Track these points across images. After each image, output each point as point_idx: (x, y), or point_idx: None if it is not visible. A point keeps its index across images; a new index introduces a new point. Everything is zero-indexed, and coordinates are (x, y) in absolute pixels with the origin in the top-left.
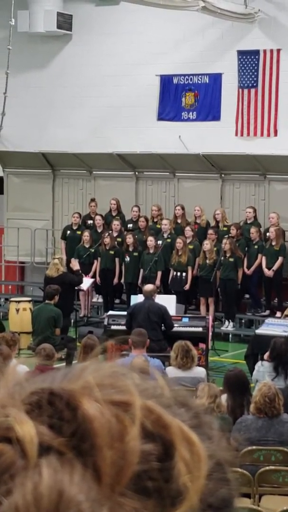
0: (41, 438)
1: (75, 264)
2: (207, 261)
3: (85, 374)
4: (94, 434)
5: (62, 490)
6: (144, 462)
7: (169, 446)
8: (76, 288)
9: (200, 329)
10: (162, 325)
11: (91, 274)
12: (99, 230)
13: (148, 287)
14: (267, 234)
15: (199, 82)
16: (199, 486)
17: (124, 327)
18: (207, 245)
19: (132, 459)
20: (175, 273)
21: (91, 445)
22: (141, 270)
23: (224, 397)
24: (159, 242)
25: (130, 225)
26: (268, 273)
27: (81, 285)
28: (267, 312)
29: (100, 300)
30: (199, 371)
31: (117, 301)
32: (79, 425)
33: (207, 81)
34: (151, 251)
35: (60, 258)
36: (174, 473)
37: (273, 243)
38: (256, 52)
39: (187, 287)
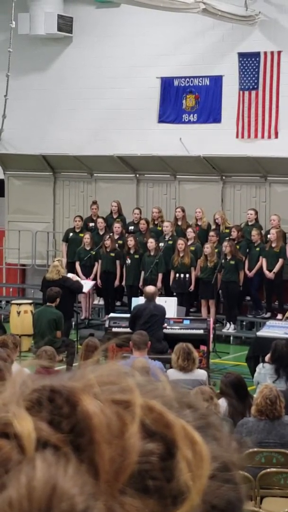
0: (39, 434)
1: (74, 277)
2: (208, 264)
3: (87, 373)
4: (93, 429)
5: (56, 483)
6: (145, 461)
7: (171, 445)
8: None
9: (201, 331)
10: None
11: (92, 276)
12: (101, 233)
13: (150, 289)
14: (268, 236)
15: (200, 84)
16: (201, 485)
17: (125, 329)
18: (207, 248)
19: (132, 456)
20: (177, 274)
21: (89, 440)
22: (142, 272)
23: (220, 401)
24: (161, 244)
25: (131, 228)
26: (269, 275)
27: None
28: (268, 314)
29: (101, 302)
30: (200, 374)
31: (118, 303)
32: (78, 421)
33: (208, 83)
34: (152, 253)
35: (60, 260)
36: (176, 472)
37: (274, 245)
38: (257, 54)
39: (191, 288)
